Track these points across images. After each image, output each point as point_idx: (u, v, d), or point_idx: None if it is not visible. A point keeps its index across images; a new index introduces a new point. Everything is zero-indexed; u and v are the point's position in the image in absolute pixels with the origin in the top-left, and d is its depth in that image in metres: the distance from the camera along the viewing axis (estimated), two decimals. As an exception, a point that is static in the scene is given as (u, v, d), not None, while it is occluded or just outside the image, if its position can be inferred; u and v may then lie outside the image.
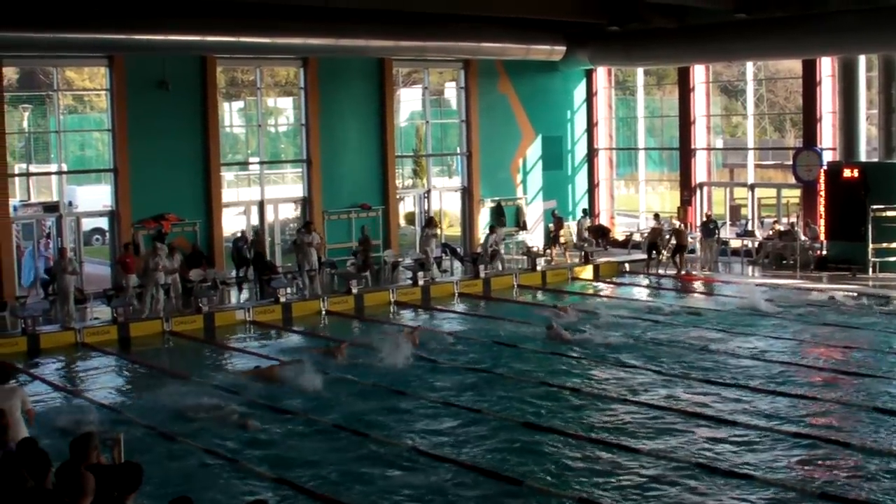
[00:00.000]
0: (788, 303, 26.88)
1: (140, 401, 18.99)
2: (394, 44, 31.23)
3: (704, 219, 33.16)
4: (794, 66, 34.43)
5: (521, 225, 35.91)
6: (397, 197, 34.18)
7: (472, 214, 35.22)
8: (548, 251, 34.33)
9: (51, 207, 30.61)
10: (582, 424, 16.72)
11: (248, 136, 33.18)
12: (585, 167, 37.93)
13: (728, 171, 39.59)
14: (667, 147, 37.83)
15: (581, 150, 37.86)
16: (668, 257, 32.50)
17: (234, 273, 29.82)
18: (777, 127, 43.55)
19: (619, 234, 37.33)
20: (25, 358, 22.86)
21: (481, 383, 19.54)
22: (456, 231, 36.55)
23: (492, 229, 33.01)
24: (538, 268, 32.00)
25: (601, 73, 37.68)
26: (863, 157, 30.92)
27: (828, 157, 31.59)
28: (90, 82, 33.90)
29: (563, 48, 34.73)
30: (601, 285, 31.65)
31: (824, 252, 31.25)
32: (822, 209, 31.15)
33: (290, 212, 33.60)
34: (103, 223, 32.23)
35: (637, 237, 35.78)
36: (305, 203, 31.98)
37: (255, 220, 31.52)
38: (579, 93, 37.69)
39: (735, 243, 34.28)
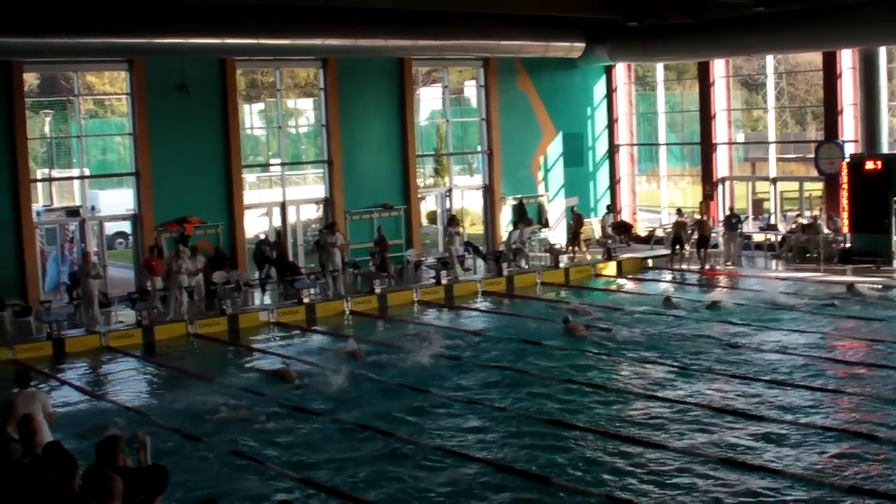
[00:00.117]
0: (808, 295, 26.83)
1: (165, 403, 19.04)
2: (412, 43, 31.22)
3: (727, 213, 33.06)
4: (815, 58, 34.26)
5: (544, 222, 35.86)
6: (419, 196, 34.17)
7: (494, 212, 35.19)
8: (570, 248, 34.27)
9: (73, 212, 30.74)
10: (607, 420, 16.68)
11: (268, 137, 33.26)
12: (607, 163, 37.86)
13: (750, 165, 39.39)
14: (688, 142, 37.74)
15: (602, 147, 37.80)
16: (691, 251, 32.44)
17: (256, 275, 29.87)
18: (798, 120, 43.31)
19: (641, 229, 37.24)
20: (51, 362, 23.02)
21: (505, 381, 19.52)
22: (478, 229, 36.52)
23: (515, 226, 32.94)
24: (561, 265, 31.95)
25: (621, 69, 37.59)
26: (885, 149, 30.75)
27: (850, 149, 31.42)
28: (111, 86, 34.06)
29: (583, 45, 34.67)
30: (624, 281, 31.57)
31: (848, 245, 31.11)
32: (844, 202, 30.98)
33: (312, 213, 33.64)
34: (126, 227, 32.33)
35: (660, 232, 35.69)
36: (327, 204, 32.01)
37: (277, 222, 31.58)
38: (599, 89, 37.63)
39: (758, 237, 34.14)
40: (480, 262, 32.68)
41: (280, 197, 31.85)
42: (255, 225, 32.17)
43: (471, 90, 37.50)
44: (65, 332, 24.46)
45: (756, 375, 18.97)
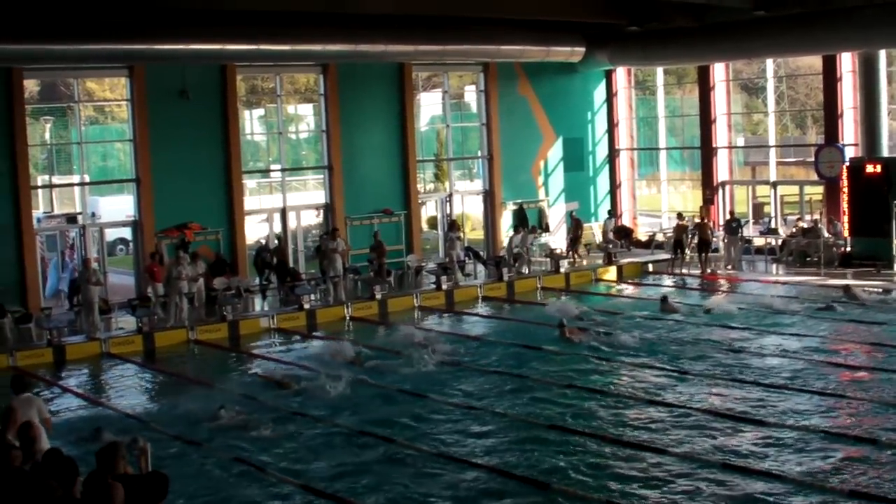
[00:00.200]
0: (806, 298, 26.85)
1: (165, 410, 19.02)
2: (413, 48, 31.23)
3: (728, 217, 33.06)
4: (815, 62, 34.29)
5: (544, 227, 35.86)
6: (419, 201, 34.17)
7: (495, 217, 35.19)
8: (570, 253, 34.26)
9: (74, 218, 30.74)
10: (608, 426, 16.67)
11: (269, 143, 33.26)
12: (607, 168, 37.86)
13: (750, 169, 39.44)
14: (688, 146, 37.73)
15: (602, 151, 37.80)
16: (691, 255, 32.45)
17: (256, 280, 29.85)
18: (798, 124, 43.36)
19: (641, 234, 37.25)
20: (52, 369, 23.01)
21: (506, 386, 19.52)
22: (479, 234, 36.52)
23: (515, 230, 32.93)
24: (561, 270, 31.95)
25: (621, 74, 37.61)
26: (885, 153, 30.74)
27: (850, 153, 31.41)
28: (111, 93, 34.07)
29: (583, 49, 34.69)
30: (624, 286, 31.55)
31: (848, 248, 31.10)
32: (845, 205, 30.99)
33: (313, 218, 33.64)
34: (126, 233, 32.30)
35: (660, 237, 35.69)
36: (327, 209, 32.02)
37: (277, 228, 31.58)
38: (599, 93, 37.64)
39: (759, 241, 34.14)
40: (481, 268, 32.68)
41: (280, 203, 31.84)
42: (255, 231, 32.15)
43: (471, 95, 37.49)
44: (65, 339, 24.42)
45: (756, 379, 18.96)
